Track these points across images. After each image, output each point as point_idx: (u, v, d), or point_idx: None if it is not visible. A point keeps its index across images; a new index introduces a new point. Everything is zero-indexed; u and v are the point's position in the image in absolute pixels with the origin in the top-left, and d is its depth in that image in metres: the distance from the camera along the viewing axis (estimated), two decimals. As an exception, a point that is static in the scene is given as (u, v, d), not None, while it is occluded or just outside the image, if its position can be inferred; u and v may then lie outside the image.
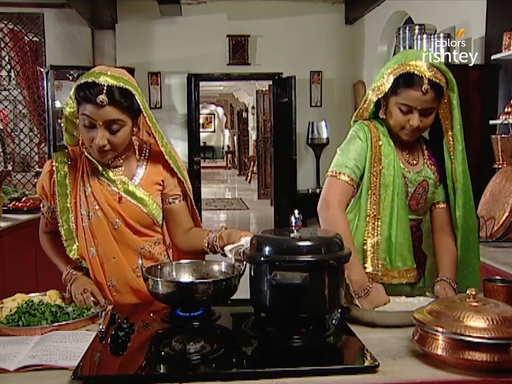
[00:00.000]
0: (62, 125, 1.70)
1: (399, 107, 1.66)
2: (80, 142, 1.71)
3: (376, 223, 1.71)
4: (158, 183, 1.73)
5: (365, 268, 1.69)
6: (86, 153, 1.68)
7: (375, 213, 1.71)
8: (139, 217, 1.69)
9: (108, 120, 1.54)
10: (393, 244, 1.70)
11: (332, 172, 1.73)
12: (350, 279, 1.56)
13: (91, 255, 1.68)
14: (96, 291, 1.62)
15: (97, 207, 1.66)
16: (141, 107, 1.60)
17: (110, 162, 1.68)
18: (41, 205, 1.80)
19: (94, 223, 1.67)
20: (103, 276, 1.69)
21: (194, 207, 1.82)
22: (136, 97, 1.58)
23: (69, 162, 1.70)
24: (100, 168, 1.67)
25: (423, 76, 1.59)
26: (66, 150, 1.74)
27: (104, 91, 1.51)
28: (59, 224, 1.68)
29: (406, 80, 1.62)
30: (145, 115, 1.63)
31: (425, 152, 1.79)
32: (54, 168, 1.69)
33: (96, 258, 1.68)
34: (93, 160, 1.66)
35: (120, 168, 1.69)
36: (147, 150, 1.75)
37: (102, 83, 1.52)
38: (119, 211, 1.66)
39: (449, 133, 1.70)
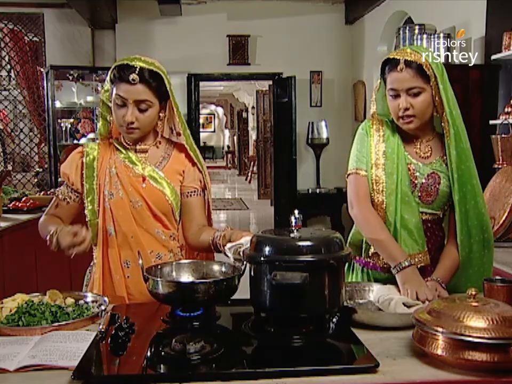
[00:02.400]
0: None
1: (389, 94, 1.74)
2: (111, 129, 1.84)
3: (381, 211, 1.76)
4: (179, 173, 1.82)
5: (374, 253, 1.80)
6: (114, 143, 1.81)
7: (380, 201, 1.76)
8: (160, 201, 1.76)
9: (138, 100, 1.69)
10: (398, 230, 1.74)
11: (351, 169, 1.81)
12: (389, 257, 1.69)
13: (109, 234, 1.76)
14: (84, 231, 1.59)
15: (120, 186, 1.75)
16: (169, 91, 1.75)
17: (136, 146, 1.79)
18: (57, 190, 1.85)
19: (115, 202, 1.75)
20: (118, 256, 1.75)
21: (211, 205, 1.89)
22: (165, 82, 1.74)
23: (98, 150, 1.81)
24: (125, 152, 1.78)
25: (399, 57, 1.69)
26: (96, 142, 1.87)
27: (137, 71, 1.68)
28: (84, 206, 1.77)
29: (387, 65, 1.74)
30: (171, 100, 1.77)
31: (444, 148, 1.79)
32: (85, 152, 1.80)
33: (113, 238, 1.76)
34: (120, 146, 1.79)
35: (145, 154, 1.80)
36: (173, 145, 1.86)
37: (135, 65, 1.69)
38: (141, 193, 1.75)
39: (444, 117, 1.72)
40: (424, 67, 1.66)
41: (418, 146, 1.79)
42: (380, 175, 1.76)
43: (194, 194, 1.83)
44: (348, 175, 1.82)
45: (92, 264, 1.85)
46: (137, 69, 1.67)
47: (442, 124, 1.73)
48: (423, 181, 1.76)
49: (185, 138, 1.82)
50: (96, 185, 1.77)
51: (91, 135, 5.72)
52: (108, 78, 1.76)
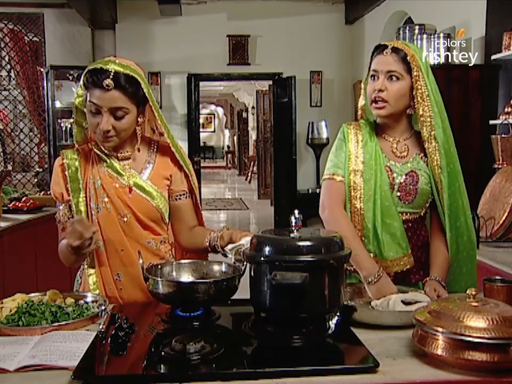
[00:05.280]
0: (71, 119, 1.74)
1: (370, 76, 1.77)
2: (89, 137, 1.75)
3: (359, 217, 1.75)
4: (166, 178, 1.75)
5: None
6: (95, 149, 1.71)
7: (358, 207, 1.75)
8: (148, 210, 1.70)
9: (113, 107, 1.58)
10: (379, 235, 1.73)
11: (326, 175, 1.81)
12: (359, 267, 1.64)
13: (98, 247, 1.69)
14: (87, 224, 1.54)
15: (106, 199, 1.67)
16: (147, 95, 1.65)
17: (118, 154, 1.70)
18: (56, 215, 1.73)
19: (103, 216, 1.68)
20: (109, 270, 1.70)
21: (199, 204, 1.85)
22: (142, 86, 1.62)
23: (79, 159, 1.72)
24: (108, 161, 1.70)
25: (387, 44, 1.75)
26: (75, 148, 1.75)
27: (111, 76, 1.56)
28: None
29: (375, 50, 1.79)
30: (151, 104, 1.67)
31: (422, 146, 1.79)
32: (65, 165, 1.70)
33: (103, 251, 1.69)
34: (101, 154, 1.70)
35: (128, 160, 1.72)
36: (155, 145, 1.78)
37: (110, 69, 1.57)
38: (128, 204, 1.68)
39: (425, 118, 1.70)
40: (408, 57, 1.69)
41: (395, 146, 1.78)
42: (358, 182, 1.75)
43: (183, 197, 1.78)
44: (324, 179, 1.81)
45: (80, 270, 1.79)
46: (112, 74, 1.56)
47: (425, 123, 1.70)
48: (401, 180, 1.75)
49: (170, 140, 1.73)
50: (83, 197, 1.69)
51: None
52: (81, 83, 1.63)
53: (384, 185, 1.74)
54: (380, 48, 1.76)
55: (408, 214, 1.78)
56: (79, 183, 1.69)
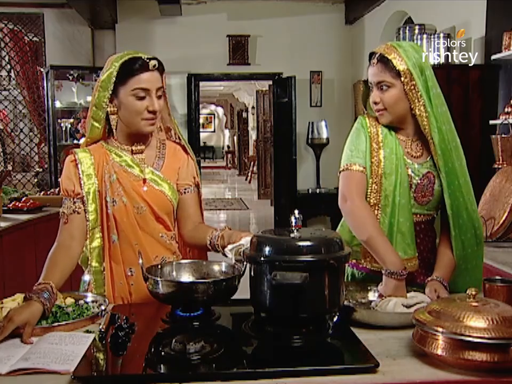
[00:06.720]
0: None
1: (369, 87, 1.76)
2: (102, 134, 1.76)
3: (377, 212, 1.72)
4: (176, 171, 1.80)
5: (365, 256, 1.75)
6: (108, 146, 1.74)
7: (375, 202, 1.72)
8: (162, 203, 1.74)
9: (158, 88, 1.67)
10: (394, 233, 1.70)
11: (344, 166, 1.75)
12: (383, 260, 1.61)
13: (112, 241, 1.71)
14: (28, 331, 1.34)
15: (122, 192, 1.70)
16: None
17: (132, 147, 1.74)
18: (61, 209, 1.72)
19: (119, 209, 1.70)
20: (122, 264, 1.71)
21: (202, 201, 1.88)
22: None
23: (90, 156, 1.73)
24: (122, 155, 1.73)
25: (376, 52, 1.71)
26: (84, 147, 1.77)
27: (152, 58, 1.66)
28: (87, 213, 1.69)
29: (369, 59, 1.75)
30: (166, 96, 1.77)
31: None
32: (78, 160, 1.71)
33: (117, 246, 1.70)
34: (116, 150, 1.73)
35: (141, 154, 1.75)
36: (164, 143, 1.83)
37: (143, 56, 1.66)
38: (143, 197, 1.71)
39: (422, 116, 1.68)
40: (393, 62, 1.65)
41: (409, 145, 1.75)
42: (377, 175, 1.71)
43: (188, 191, 1.82)
44: (340, 171, 1.75)
45: (87, 271, 1.77)
46: (150, 57, 1.65)
47: (423, 124, 1.68)
48: (418, 181, 1.73)
49: (177, 130, 1.84)
50: (97, 191, 1.70)
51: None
52: (110, 80, 1.65)
53: (404, 182, 1.71)
54: (371, 58, 1.73)
55: (422, 216, 1.77)
56: (91, 178, 1.71)
